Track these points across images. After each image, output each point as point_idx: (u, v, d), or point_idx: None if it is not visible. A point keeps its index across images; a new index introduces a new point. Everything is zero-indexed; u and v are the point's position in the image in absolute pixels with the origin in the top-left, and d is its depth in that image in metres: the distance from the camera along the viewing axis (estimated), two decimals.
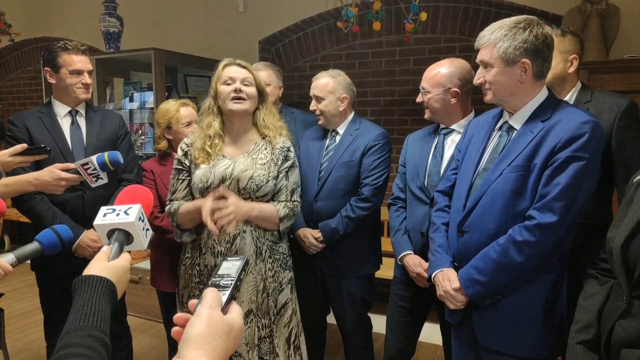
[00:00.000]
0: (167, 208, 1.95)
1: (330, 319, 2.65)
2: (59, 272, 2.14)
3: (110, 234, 0.95)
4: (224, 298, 0.75)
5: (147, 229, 0.99)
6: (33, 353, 3.14)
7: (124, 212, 0.96)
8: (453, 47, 3.59)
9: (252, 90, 1.88)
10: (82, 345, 0.70)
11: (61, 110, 2.25)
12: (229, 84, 1.86)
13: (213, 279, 0.79)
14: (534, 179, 1.45)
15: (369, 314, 2.45)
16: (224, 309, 0.73)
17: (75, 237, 2.11)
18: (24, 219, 4.76)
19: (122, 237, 0.95)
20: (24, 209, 2.12)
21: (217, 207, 1.74)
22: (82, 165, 1.80)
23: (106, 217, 0.96)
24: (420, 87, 2.06)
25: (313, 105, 2.36)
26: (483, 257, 1.51)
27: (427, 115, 2.06)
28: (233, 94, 1.84)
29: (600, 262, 1.39)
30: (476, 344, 1.62)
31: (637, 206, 1.23)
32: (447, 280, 1.60)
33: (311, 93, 2.36)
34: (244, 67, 1.90)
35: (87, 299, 0.78)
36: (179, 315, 0.73)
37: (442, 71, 1.98)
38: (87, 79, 2.21)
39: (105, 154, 1.80)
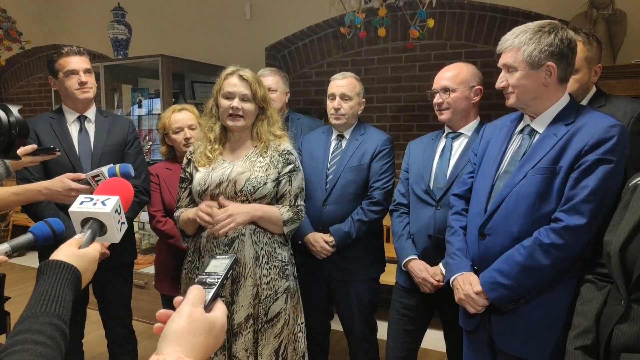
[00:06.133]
0: (174, 215, 2.02)
1: (334, 325, 2.65)
2: None
3: (84, 222, 0.94)
4: (209, 296, 0.74)
5: (123, 223, 0.98)
6: None
7: (102, 203, 0.94)
8: (459, 53, 3.59)
9: (250, 106, 1.86)
10: (42, 332, 0.69)
11: (70, 116, 2.27)
12: (227, 99, 1.85)
13: (200, 277, 0.78)
14: (560, 181, 1.44)
15: None
16: (208, 307, 0.72)
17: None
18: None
19: (96, 227, 0.93)
20: (30, 212, 2.15)
21: (209, 206, 1.79)
22: (93, 176, 1.82)
23: (83, 205, 0.94)
24: (435, 90, 2.03)
25: (337, 104, 2.28)
26: (507, 260, 1.49)
27: (445, 116, 2.01)
28: (230, 111, 1.84)
29: (597, 266, 1.38)
30: (492, 350, 1.60)
31: (634, 209, 1.23)
32: (469, 284, 1.57)
33: (337, 91, 2.30)
34: (246, 80, 1.86)
35: (52, 284, 0.77)
36: (161, 312, 0.72)
37: (465, 70, 2.00)
38: (82, 77, 2.20)
39: (117, 165, 1.81)
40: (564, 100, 1.54)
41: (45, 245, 1.25)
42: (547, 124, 1.53)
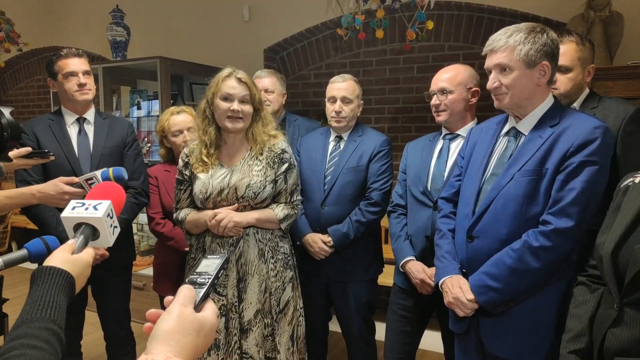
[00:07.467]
0: (174, 215, 2.03)
1: (332, 327, 2.65)
2: None
3: (76, 227, 0.95)
4: (199, 296, 0.74)
5: (115, 227, 0.98)
6: None
7: (93, 207, 0.95)
8: (457, 54, 3.59)
9: (248, 108, 1.88)
10: (38, 337, 0.69)
11: (69, 118, 2.28)
12: (226, 101, 1.86)
13: (191, 276, 0.78)
14: (547, 183, 1.45)
15: None
16: (198, 307, 0.73)
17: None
18: (31, 226, 4.80)
19: (89, 231, 0.94)
20: (30, 214, 2.16)
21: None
22: (86, 180, 1.82)
23: (75, 210, 0.95)
24: (432, 91, 2.04)
25: (338, 107, 2.28)
26: (496, 263, 1.49)
27: (442, 117, 2.02)
28: (230, 113, 1.85)
29: (589, 268, 1.38)
30: (482, 352, 1.60)
31: (625, 212, 1.23)
32: (458, 287, 1.57)
33: (337, 94, 2.29)
34: (245, 82, 1.87)
35: (46, 290, 0.77)
36: (151, 312, 0.73)
37: (462, 71, 2.01)
38: (81, 79, 2.21)
39: (110, 169, 1.80)
40: (549, 102, 1.55)
41: None
42: (533, 126, 1.54)
